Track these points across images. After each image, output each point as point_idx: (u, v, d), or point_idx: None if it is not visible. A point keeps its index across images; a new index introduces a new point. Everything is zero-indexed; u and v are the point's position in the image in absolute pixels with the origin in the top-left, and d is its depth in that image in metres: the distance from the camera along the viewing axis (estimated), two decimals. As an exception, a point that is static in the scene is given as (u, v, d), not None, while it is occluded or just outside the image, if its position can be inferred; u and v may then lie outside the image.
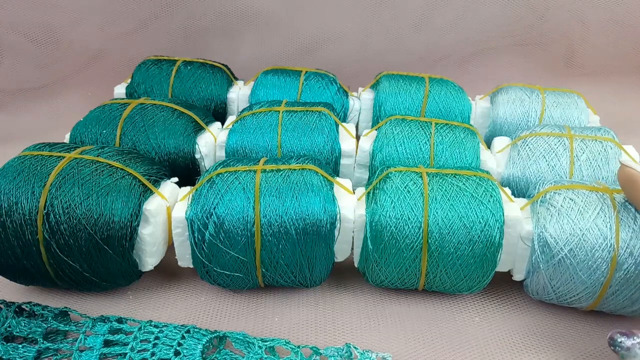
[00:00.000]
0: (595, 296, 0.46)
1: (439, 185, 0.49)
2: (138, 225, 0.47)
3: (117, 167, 0.49)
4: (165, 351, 0.44)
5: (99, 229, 0.46)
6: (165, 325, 0.46)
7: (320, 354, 0.44)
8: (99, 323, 0.46)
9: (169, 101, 0.65)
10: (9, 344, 0.45)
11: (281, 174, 0.49)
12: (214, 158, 0.63)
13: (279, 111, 0.63)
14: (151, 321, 0.47)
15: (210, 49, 0.98)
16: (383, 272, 0.49)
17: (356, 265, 0.51)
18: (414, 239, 0.47)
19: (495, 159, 0.61)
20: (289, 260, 0.48)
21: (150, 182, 0.50)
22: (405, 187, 0.48)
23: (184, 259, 0.51)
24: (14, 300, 0.50)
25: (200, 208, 0.47)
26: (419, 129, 0.61)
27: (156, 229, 0.49)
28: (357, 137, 0.70)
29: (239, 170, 0.50)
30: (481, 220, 0.46)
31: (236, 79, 0.81)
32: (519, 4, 0.97)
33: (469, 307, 0.52)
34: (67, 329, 0.46)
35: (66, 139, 0.63)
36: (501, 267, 0.50)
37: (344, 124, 0.66)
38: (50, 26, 0.94)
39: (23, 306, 0.48)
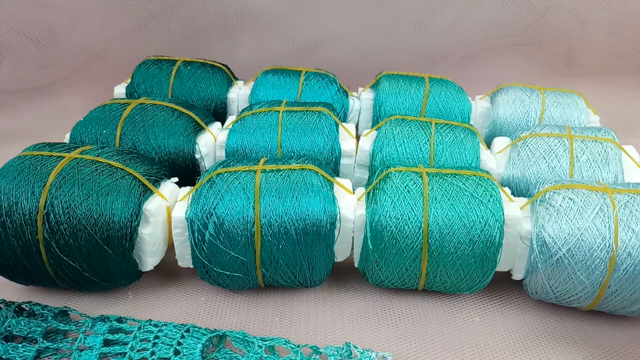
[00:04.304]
0: (594, 296, 0.46)
1: (439, 185, 0.49)
2: (138, 225, 0.48)
3: (117, 167, 0.49)
4: (165, 350, 0.44)
5: (99, 229, 0.46)
6: (165, 325, 0.46)
7: (320, 353, 0.44)
8: (98, 322, 0.46)
9: (169, 101, 0.65)
10: (8, 343, 0.45)
11: (281, 174, 0.49)
12: (214, 158, 0.63)
13: (279, 111, 0.63)
14: (151, 320, 0.47)
15: (210, 49, 0.99)
16: (383, 272, 0.49)
17: (356, 265, 0.51)
18: (414, 238, 0.47)
19: (495, 159, 0.61)
20: (289, 260, 0.48)
21: (150, 182, 0.50)
22: (405, 187, 0.49)
23: (184, 259, 0.51)
24: (14, 300, 0.50)
25: (200, 208, 0.47)
26: (419, 129, 0.61)
27: (156, 229, 0.49)
28: (357, 137, 0.70)
29: (239, 170, 0.50)
30: (481, 220, 0.46)
31: (236, 79, 0.81)
32: (519, 4, 0.97)
33: (469, 307, 0.52)
34: (66, 328, 0.46)
35: (66, 139, 0.63)
36: (501, 267, 0.50)
37: (344, 124, 0.66)
38: (50, 26, 0.95)
39: (23, 306, 0.49)
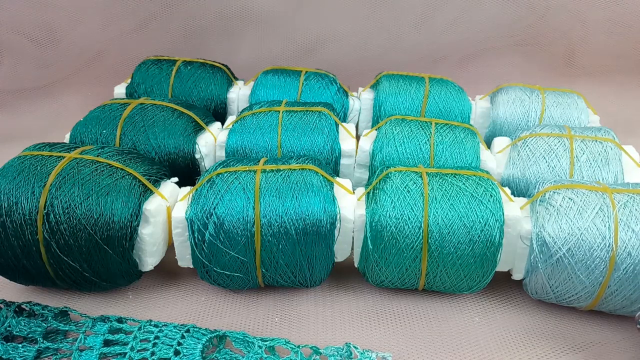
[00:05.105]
0: (594, 296, 0.46)
1: (439, 185, 0.49)
2: (138, 225, 0.48)
3: (117, 167, 0.49)
4: (165, 350, 0.44)
5: (99, 229, 0.46)
6: (165, 325, 0.46)
7: (320, 353, 0.44)
8: (98, 323, 0.46)
9: (169, 101, 0.65)
10: (8, 343, 0.45)
11: (281, 174, 0.49)
12: (214, 158, 0.63)
13: (279, 111, 0.63)
14: (151, 321, 0.47)
15: (210, 49, 0.99)
16: (383, 272, 0.49)
17: (356, 265, 0.51)
18: (414, 238, 0.47)
19: (495, 159, 0.61)
20: (289, 260, 0.48)
21: (150, 182, 0.50)
22: (405, 187, 0.49)
23: (184, 259, 0.51)
24: (14, 300, 0.50)
25: (200, 208, 0.47)
26: (419, 129, 0.61)
27: (156, 229, 0.49)
28: (357, 137, 0.70)
29: (239, 170, 0.50)
30: (481, 220, 0.46)
31: (236, 79, 0.81)
32: (519, 4, 0.97)
33: (469, 307, 0.52)
34: (67, 328, 0.46)
35: (66, 139, 0.63)
36: (501, 267, 0.50)
37: (344, 124, 0.66)
38: (50, 26, 0.95)
39: (23, 306, 0.49)
